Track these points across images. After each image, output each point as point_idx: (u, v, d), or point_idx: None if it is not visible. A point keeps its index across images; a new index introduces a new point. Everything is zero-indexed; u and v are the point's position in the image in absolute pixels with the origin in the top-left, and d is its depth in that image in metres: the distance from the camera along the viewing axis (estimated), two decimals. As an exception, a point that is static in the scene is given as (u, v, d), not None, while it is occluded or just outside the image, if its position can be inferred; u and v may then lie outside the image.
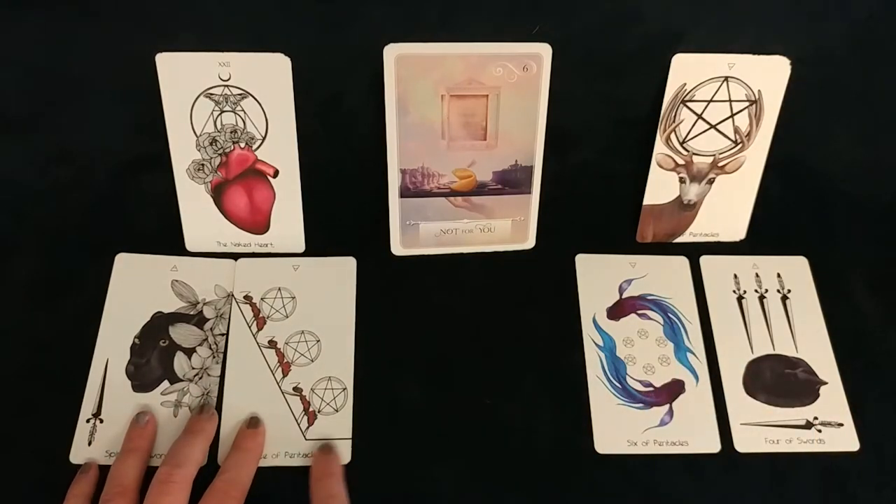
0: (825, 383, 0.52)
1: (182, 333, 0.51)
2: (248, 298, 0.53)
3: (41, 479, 0.46)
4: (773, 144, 0.55)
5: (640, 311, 0.55)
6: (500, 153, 0.53)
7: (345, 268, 0.54)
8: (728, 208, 0.57)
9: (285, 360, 0.51)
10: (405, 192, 0.53)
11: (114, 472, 0.44)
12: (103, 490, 0.43)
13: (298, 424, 0.49)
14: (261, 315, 0.53)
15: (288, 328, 0.52)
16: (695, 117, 0.54)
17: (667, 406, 0.51)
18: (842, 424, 0.51)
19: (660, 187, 0.56)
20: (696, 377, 0.52)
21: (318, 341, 0.52)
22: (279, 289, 0.54)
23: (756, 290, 0.56)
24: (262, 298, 0.53)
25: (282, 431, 0.48)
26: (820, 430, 0.50)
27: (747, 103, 0.54)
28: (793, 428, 0.50)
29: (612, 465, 0.49)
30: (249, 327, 0.52)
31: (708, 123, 0.54)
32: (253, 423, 0.48)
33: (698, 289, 0.56)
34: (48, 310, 0.52)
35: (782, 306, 0.55)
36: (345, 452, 0.48)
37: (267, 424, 0.48)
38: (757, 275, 0.57)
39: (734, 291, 0.56)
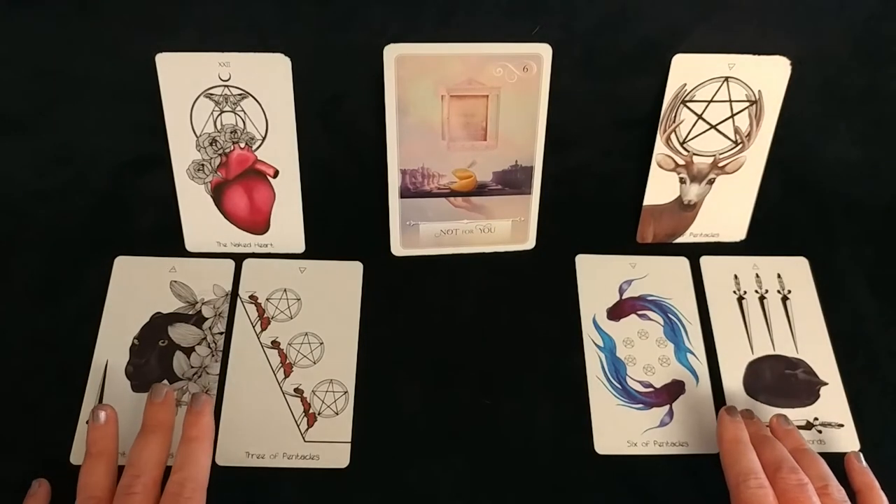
0: (825, 384, 0.52)
1: (181, 333, 0.51)
2: (253, 298, 0.53)
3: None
4: (773, 145, 0.55)
5: (640, 312, 0.55)
6: (500, 153, 0.53)
7: (351, 271, 0.54)
8: (728, 209, 0.57)
9: (287, 361, 0.51)
10: (405, 193, 0.53)
11: (84, 480, 0.42)
12: (76, 499, 0.42)
13: (298, 426, 0.49)
14: (265, 315, 0.53)
15: (292, 329, 0.52)
16: (695, 117, 0.54)
17: (667, 407, 0.51)
18: (842, 425, 0.51)
19: (660, 188, 0.56)
20: (696, 378, 0.52)
21: (322, 344, 0.52)
22: (285, 290, 0.54)
23: (756, 291, 0.56)
24: (267, 299, 0.53)
25: (281, 432, 0.48)
26: (820, 431, 0.50)
27: (747, 103, 0.54)
28: (793, 428, 0.50)
29: (611, 465, 0.49)
30: (253, 327, 0.52)
31: (708, 124, 0.54)
32: (195, 402, 0.44)
33: (698, 289, 0.56)
34: (48, 310, 0.52)
35: (782, 307, 0.55)
36: (343, 456, 0.48)
37: (266, 424, 0.48)
38: (757, 275, 0.57)
39: (734, 292, 0.56)
